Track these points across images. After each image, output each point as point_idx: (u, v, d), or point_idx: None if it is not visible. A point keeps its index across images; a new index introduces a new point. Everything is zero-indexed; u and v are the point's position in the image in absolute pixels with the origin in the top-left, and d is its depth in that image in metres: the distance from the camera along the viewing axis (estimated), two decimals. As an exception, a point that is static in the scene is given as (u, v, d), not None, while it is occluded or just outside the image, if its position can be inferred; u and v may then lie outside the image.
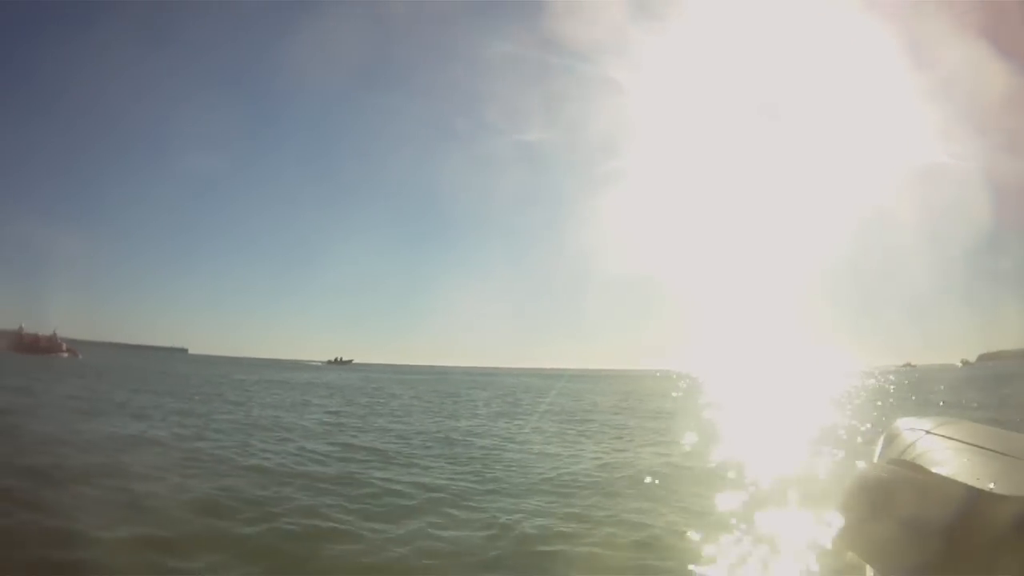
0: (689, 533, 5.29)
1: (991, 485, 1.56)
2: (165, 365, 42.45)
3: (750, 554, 4.97)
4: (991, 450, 1.75)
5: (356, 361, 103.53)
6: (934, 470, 1.71)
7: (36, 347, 43.45)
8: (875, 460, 2.10)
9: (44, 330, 46.93)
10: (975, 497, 1.55)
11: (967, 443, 1.81)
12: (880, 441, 2.16)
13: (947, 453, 1.79)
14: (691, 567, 4.71)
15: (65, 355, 43.64)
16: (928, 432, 1.94)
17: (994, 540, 1.47)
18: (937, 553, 1.56)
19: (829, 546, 4.39)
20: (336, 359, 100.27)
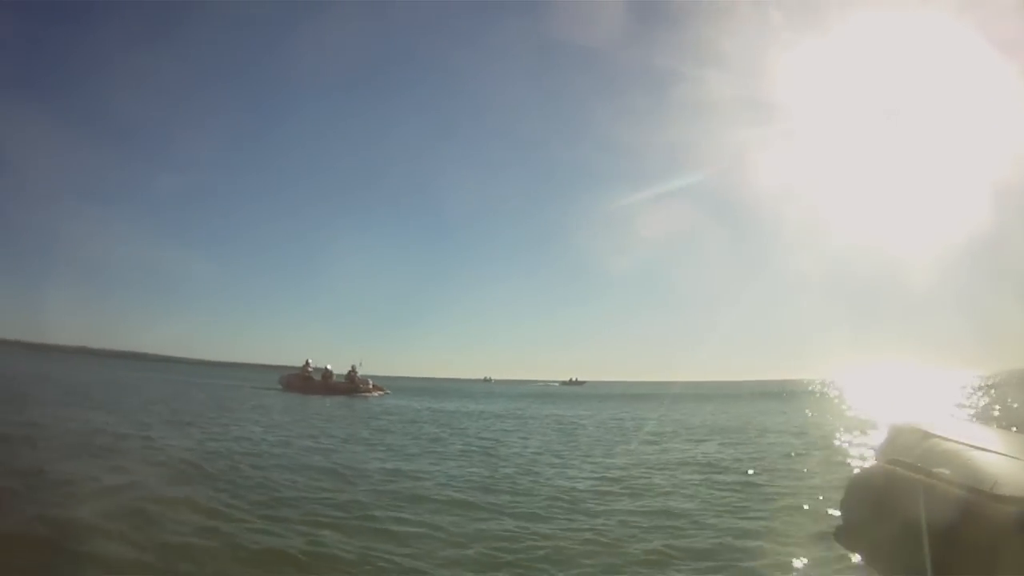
0: None
1: (991, 485, 1.56)
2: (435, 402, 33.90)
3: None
4: (991, 450, 1.75)
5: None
6: (934, 470, 1.71)
7: (333, 386, 34.62)
8: (876, 460, 2.10)
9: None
10: (975, 497, 1.55)
11: (967, 443, 1.81)
12: (881, 441, 2.16)
13: (947, 453, 1.79)
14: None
15: (376, 394, 34.93)
16: (928, 432, 1.94)
17: (994, 540, 1.47)
18: (937, 553, 1.56)
19: (831, 546, 4.39)
20: (571, 380, 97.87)
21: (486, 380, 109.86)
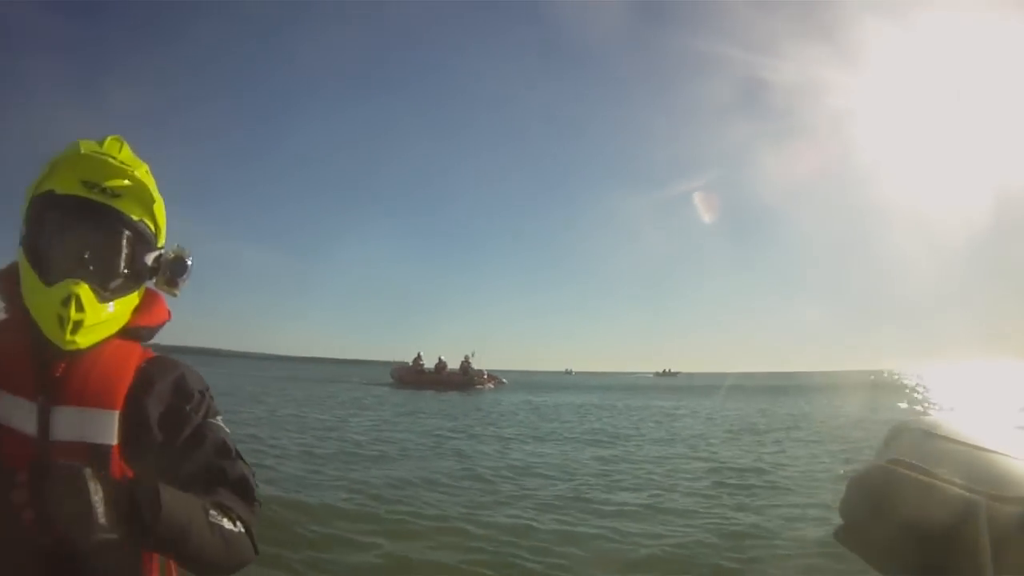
0: None
1: (992, 485, 1.54)
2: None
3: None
4: (992, 450, 1.74)
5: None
6: (935, 470, 1.70)
7: (447, 379, 33.30)
8: (875, 459, 2.09)
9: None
10: (976, 497, 1.54)
11: (968, 443, 1.80)
12: (881, 441, 2.15)
13: (949, 453, 1.78)
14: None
15: (491, 385, 34.10)
16: (929, 431, 1.93)
17: (994, 540, 1.46)
18: (937, 553, 1.54)
19: (830, 546, 4.37)
20: (665, 371, 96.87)
21: (567, 372, 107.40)
